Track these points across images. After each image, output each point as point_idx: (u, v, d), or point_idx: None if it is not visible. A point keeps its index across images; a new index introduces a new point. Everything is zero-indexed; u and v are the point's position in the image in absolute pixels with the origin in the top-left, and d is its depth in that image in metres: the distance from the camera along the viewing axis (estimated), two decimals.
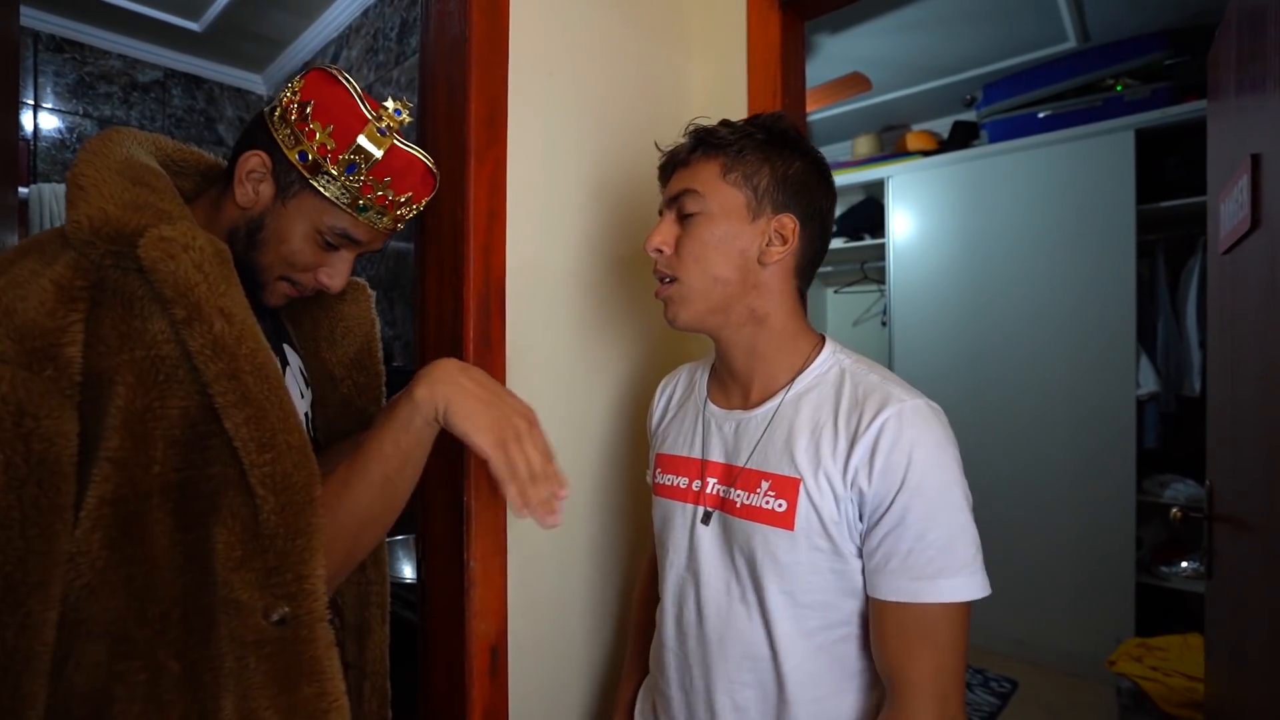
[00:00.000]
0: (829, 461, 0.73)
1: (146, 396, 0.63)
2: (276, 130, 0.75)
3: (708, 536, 0.81)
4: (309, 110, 0.74)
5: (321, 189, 0.74)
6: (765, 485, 0.77)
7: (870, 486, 0.70)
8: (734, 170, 0.78)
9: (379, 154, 0.74)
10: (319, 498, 0.68)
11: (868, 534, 0.71)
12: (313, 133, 0.74)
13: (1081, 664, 2.59)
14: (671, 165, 0.83)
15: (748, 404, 0.83)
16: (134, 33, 2.61)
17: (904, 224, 3.15)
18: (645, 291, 1.20)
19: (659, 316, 1.24)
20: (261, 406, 0.65)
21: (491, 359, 0.93)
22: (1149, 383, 2.54)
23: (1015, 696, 2.48)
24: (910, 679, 0.68)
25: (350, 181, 0.74)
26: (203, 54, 2.78)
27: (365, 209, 0.76)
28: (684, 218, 0.80)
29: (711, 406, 0.87)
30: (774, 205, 0.79)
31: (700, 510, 0.82)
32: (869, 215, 3.50)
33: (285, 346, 0.88)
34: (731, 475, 0.81)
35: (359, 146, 0.74)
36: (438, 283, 0.96)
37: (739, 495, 0.79)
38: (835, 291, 3.95)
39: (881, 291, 3.50)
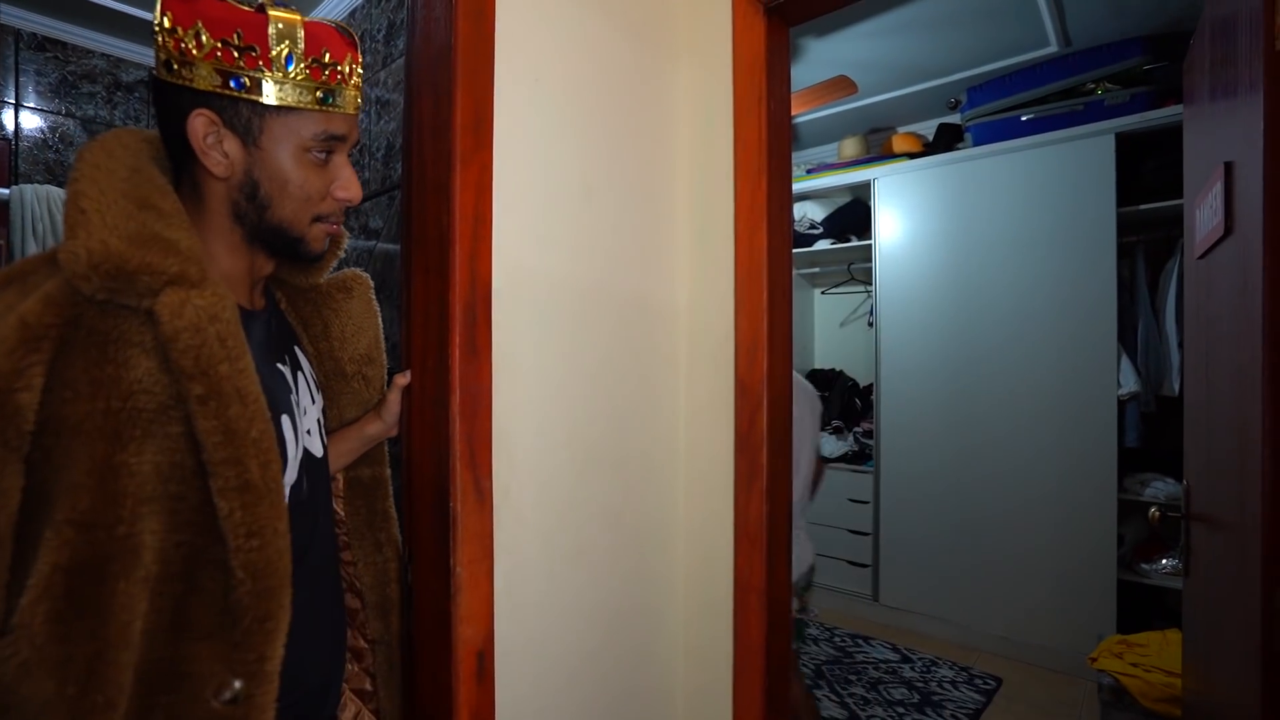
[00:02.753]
0: None
1: (118, 451, 0.58)
2: (191, 80, 0.66)
3: None
4: (204, 36, 0.65)
5: (279, 101, 0.68)
6: None
7: None
8: None
9: (300, 30, 0.69)
10: (289, 584, 0.66)
11: None
12: (228, 52, 0.66)
13: (1065, 660, 2.62)
14: None
15: None
16: (118, 31, 2.58)
17: (890, 225, 3.18)
18: (631, 296, 1.21)
19: (646, 323, 1.25)
20: (259, 493, 0.63)
21: (477, 365, 0.93)
22: (1129, 382, 2.57)
23: (999, 693, 2.51)
24: None
25: (297, 74, 0.69)
26: None
27: (326, 97, 0.71)
28: None
29: None
30: None
31: None
32: (855, 217, 3.53)
33: (295, 349, 0.88)
34: None
35: (279, 33, 0.67)
36: (423, 288, 0.97)
37: None
38: (822, 292, 3.98)
39: (868, 292, 3.53)
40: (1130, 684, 2.04)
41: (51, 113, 2.53)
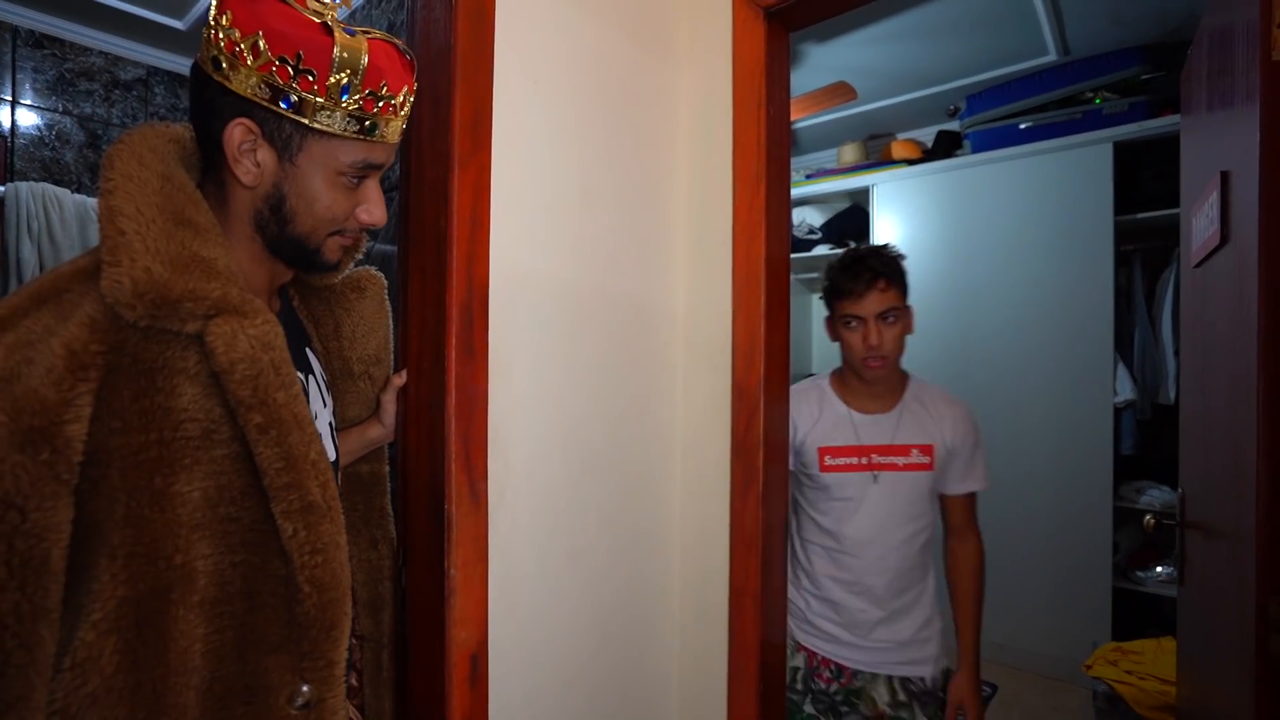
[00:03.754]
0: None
1: (172, 481, 0.58)
2: (239, 85, 0.63)
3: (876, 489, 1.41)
4: (262, 45, 0.61)
5: (325, 127, 0.66)
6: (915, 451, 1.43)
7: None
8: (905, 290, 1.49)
9: (365, 59, 0.64)
10: (349, 593, 0.68)
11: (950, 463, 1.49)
12: (285, 70, 0.62)
13: (1060, 667, 2.62)
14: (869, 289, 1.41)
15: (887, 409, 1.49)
16: (116, 29, 2.58)
17: (889, 231, 3.18)
18: (629, 300, 1.21)
19: (643, 327, 1.25)
20: (321, 513, 0.65)
21: (474, 367, 0.93)
22: (1126, 390, 2.58)
23: (995, 700, 2.51)
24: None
25: (350, 105, 0.65)
26: (186, 52, 2.75)
27: (374, 127, 0.68)
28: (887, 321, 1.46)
29: (854, 414, 1.50)
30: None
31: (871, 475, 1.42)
32: (854, 222, 3.54)
33: (307, 350, 0.87)
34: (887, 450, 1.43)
35: (342, 61, 0.63)
36: (420, 290, 0.96)
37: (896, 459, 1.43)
38: (820, 297, 3.98)
39: None
40: (1125, 691, 2.04)
41: (48, 110, 2.52)
